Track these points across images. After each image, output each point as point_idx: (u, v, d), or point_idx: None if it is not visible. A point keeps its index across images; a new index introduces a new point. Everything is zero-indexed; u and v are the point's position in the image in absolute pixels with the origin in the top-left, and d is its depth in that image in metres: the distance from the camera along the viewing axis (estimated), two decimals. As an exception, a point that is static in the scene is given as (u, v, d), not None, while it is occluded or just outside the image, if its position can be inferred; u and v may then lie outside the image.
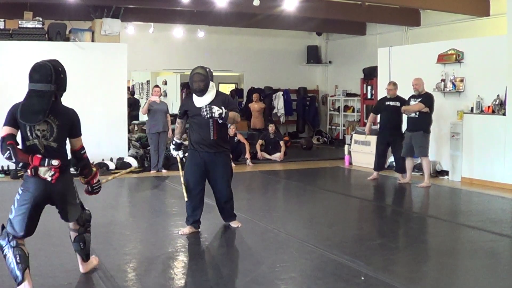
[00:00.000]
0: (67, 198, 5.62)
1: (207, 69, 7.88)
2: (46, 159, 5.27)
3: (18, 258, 5.29)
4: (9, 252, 5.32)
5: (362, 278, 6.07)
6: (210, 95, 7.80)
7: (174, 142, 8.29)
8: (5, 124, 5.32)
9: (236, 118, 7.91)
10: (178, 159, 8.31)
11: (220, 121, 7.73)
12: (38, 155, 5.27)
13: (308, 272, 6.51)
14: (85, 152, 5.83)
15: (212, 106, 7.54)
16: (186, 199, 7.95)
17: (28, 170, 5.26)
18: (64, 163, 5.42)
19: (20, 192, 5.37)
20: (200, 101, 7.80)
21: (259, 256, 7.12)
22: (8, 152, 5.20)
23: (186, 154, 8.22)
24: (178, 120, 8.29)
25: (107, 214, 9.53)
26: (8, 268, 5.33)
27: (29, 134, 5.33)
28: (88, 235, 6.06)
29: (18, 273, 5.28)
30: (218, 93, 8.04)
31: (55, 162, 5.28)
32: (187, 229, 7.98)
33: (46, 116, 5.32)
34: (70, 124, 5.59)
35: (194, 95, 7.91)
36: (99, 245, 7.26)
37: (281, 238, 7.91)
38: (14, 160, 5.23)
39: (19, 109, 5.27)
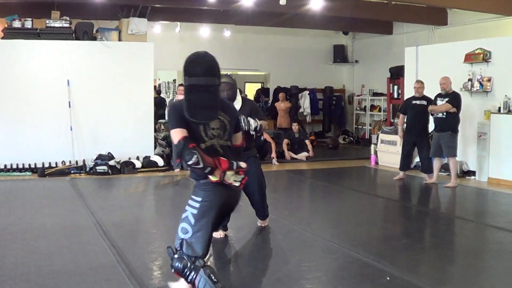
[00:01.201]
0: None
1: (233, 77, 7.78)
2: (234, 162, 4.71)
3: (214, 277, 4.68)
4: (197, 275, 4.67)
5: (388, 278, 6.05)
6: (237, 103, 7.62)
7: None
8: (174, 127, 4.70)
9: (265, 127, 7.88)
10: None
11: (253, 133, 7.64)
12: (223, 158, 4.70)
13: (333, 272, 6.51)
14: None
15: (249, 119, 7.46)
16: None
17: (213, 176, 4.63)
18: None
19: (197, 205, 4.74)
20: None
21: (284, 255, 7.13)
22: (195, 156, 4.51)
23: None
24: None
25: (133, 212, 9.62)
26: None
27: (203, 134, 4.75)
28: None
29: None
30: (244, 100, 7.91)
31: (243, 165, 4.76)
32: (221, 232, 7.83)
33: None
34: (236, 117, 5.14)
35: None
36: (125, 243, 7.32)
37: (307, 238, 7.91)
38: (200, 166, 4.55)
39: (186, 107, 4.66)
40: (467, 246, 7.78)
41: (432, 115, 12.25)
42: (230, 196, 4.86)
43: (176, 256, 4.79)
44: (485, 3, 14.13)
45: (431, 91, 12.40)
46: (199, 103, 4.69)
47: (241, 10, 15.55)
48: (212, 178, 4.63)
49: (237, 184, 4.71)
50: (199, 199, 4.75)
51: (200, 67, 4.75)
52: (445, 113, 11.84)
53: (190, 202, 4.80)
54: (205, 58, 4.83)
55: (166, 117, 4.23)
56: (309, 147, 16.67)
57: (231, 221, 8.04)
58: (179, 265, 4.73)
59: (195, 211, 4.73)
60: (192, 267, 4.69)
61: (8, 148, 13.34)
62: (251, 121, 7.45)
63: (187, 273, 4.71)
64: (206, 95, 4.72)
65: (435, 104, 12.04)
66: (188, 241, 4.74)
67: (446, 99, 11.85)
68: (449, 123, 11.86)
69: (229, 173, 4.65)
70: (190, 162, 4.55)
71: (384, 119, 19.97)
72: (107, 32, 14.67)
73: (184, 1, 15.71)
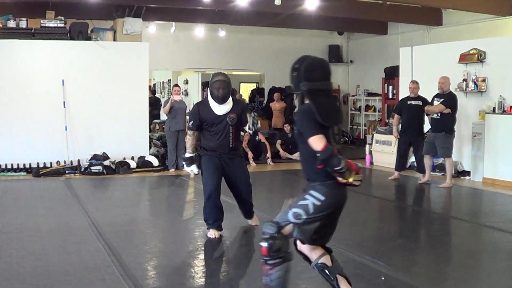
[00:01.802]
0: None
1: (227, 75, 7.78)
2: (356, 164, 4.78)
3: (286, 276, 4.86)
4: (280, 265, 4.80)
5: (383, 278, 6.05)
6: (229, 103, 7.67)
7: (186, 157, 7.88)
8: (314, 133, 4.65)
9: (259, 128, 7.99)
10: (192, 175, 7.97)
11: (250, 131, 7.72)
12: (349, 160, 4.73)
13: (328, 272, 6.49)
14: None
15: (256, 120, 7.52)
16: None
17: (343, 178, 4.65)
18: None
19: (323, 199, 4.75)
20: (220, 109, 7.61)
21: (279, 255, 7.11)
22: (343, 162, 4.58)
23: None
24: (190, 132, 7.88)
25: (128, 212, 9.59)
26: (270, 278, 4.84)
27: (331, 139, 4.78)
28: None
29: None
30: (235, 100, 7.88)
31: (360, 165, 4.86)
32: (216, 232, 7.76)
33: None
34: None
35: (211, 103, 7.64)
36: (120, 243, 7.31)
37: (302, 238, 7.89)
38: (344, 171, 4.61)
39: (318, 112, 4.69)
40: (462, 246, 7.79)
41: (427, 115, 12.26)
42: (345, 195, 4.92)
43: (278, 234, 4.82)
44: (480, 3, 14.16)
45: (426, 91, 12.40)
46: (328, 107, 4.81)
47: (236, 10, 15.54)
48: (342, 179, 4.68)
49: (357, 183, 4.75)
50: (326, 194, 4.77)
51: (320, 72, 4.92)
52: (439, 114, 11.84)
53: (314, 193, 4.79)
54: (322, 63, 5.01)
55: (300, 122, 4.18)
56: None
57: (225, 221, 8.04)
58: (273, 246, 4.77)
59: (318, 203, 4.76)
60: (283, 255, 4.77)
61: (3, 148, 13.33)
62: (256, 121, 7.52)
63: (274, 256, 4.77)
64: (328, 99, 4.90)
65: (432, 104, 12.04)
66: (300, 226, 4.80)
67: (441, 100, 11.84)
68: (444, 124, 11.84)
69: (353, 173, 4.70)
70: (337, 168, 4.58)
71: (379, 119, 19.98)
72: (102, 32, 14.66)
73: (179, 1, 15.70)
